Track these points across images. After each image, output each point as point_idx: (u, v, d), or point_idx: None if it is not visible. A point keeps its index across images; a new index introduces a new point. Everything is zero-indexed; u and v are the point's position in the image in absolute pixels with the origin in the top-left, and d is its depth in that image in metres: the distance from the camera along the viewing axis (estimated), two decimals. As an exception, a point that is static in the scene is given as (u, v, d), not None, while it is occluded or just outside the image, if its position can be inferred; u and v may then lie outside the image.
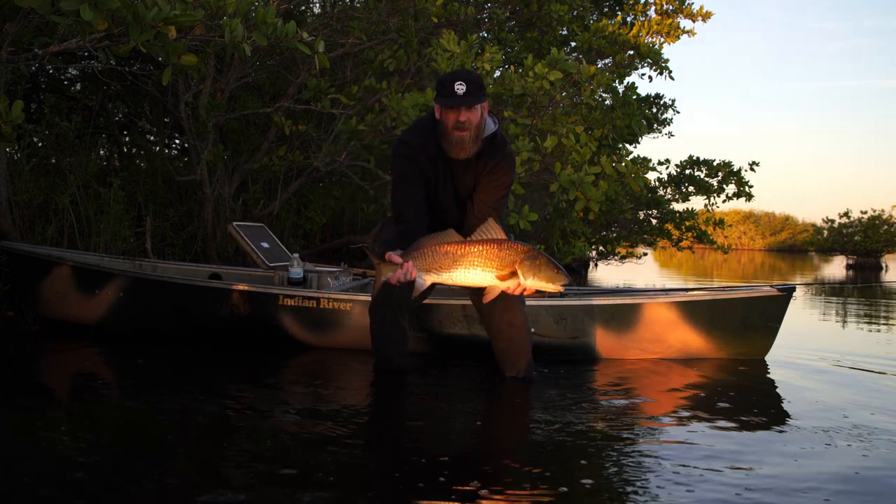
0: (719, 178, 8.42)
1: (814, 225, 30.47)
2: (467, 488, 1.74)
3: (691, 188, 8.70)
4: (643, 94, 9.48)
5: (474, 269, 2.55)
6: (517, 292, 2.57)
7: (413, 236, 2.66)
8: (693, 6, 6.94)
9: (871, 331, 5.16)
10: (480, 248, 2.54)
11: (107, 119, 6.29)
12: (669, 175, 8.80)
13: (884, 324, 5.66)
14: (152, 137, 6.50)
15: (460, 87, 2.68)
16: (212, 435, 2.12)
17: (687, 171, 8.66)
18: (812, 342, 4.45)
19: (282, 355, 3.36)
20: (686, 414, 2.51)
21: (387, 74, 5.31)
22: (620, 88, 7.18)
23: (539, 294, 2.75)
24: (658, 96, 9.88)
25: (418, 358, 3.29)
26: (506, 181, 2.87)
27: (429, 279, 2.56)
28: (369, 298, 3.40)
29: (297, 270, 3.87)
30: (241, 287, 3.49)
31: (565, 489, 1.77)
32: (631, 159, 5.67)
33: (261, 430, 2.16)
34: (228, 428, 2.19)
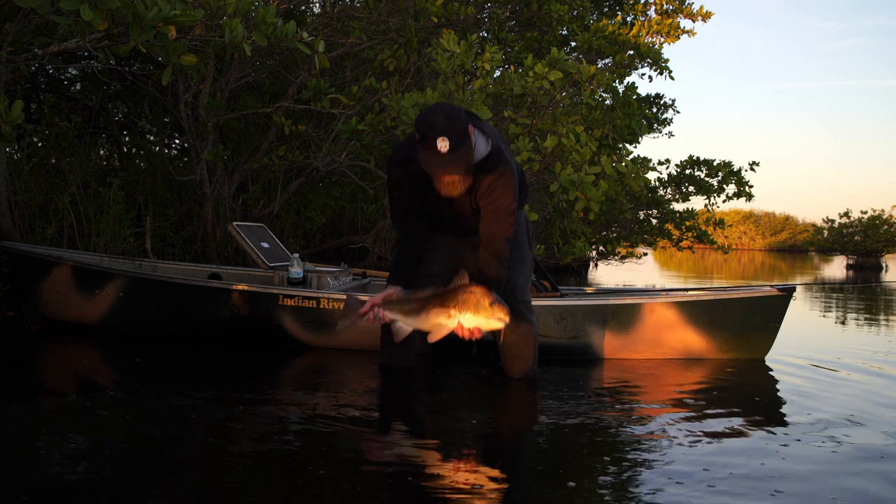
0: (719, 177, 8.42)
1: (814, 225, 30.49)
2: (468, 488, 1.74)
3: (691, 188, 8.70)
4: (643, 94, 9.51)
5: (426, 311, 2.55)
6: (465, 333, 2.44)
7: (405, 267, 2.71)
8: (693, 6, 6.94)
9: (871, 331, 5.16)
10: (439, 294, 2.57)
11: (107, 119, 6.29)
12: (669, 175, 8.80)
13: (884, 324, 5.66)
14: (152, 137, 6.50)
15: (443, 144, 2.39)
16: (211, 435, 2.12)
17: (687, 171, 8.66)
18: (812, 342, 4.45)
19: (282, 355, 3.36)
20: (686, 414, 2.51)
21: (387, 74, 5.31)
22: (620, 88, 7.18)
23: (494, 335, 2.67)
24: (658, 96, 9.90)
25: (418, 358, 3.29)
26: (503, 203, 2.60)
27: (405, 325, 2.62)
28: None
29: (297, 270, 3.87)
30: (241, 287, 3.49)
31: (573, 484, 1.77)
32: (631, 159, 5.67)
33: (260, 430, 2.16)
34: (228, 428, 2.19)
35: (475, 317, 2.46)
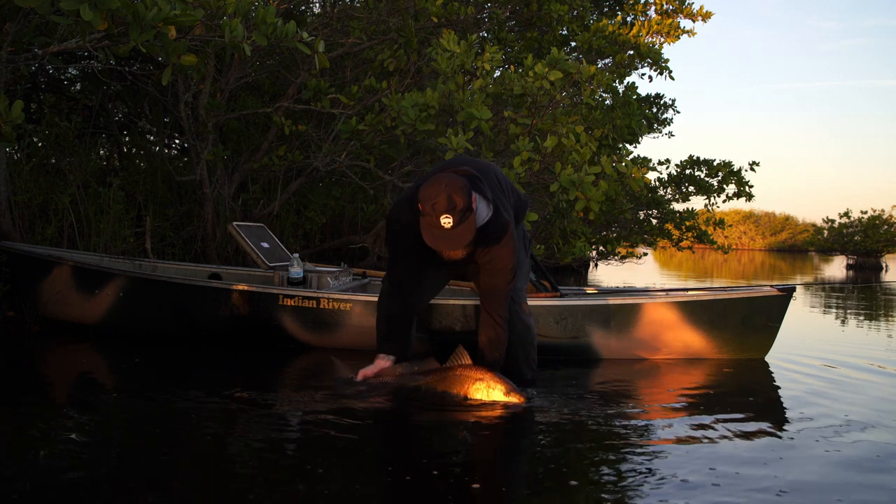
0: (719, 177, 8.43)
1: (814, 225, 30.48)
2: (469, 487, 1.74)
3: (691, 188, 8.70)
4: (643, 93, 9.49)
5: (433, 392, 2.64)
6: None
7: (398, 333, 2.81)
8: (693, 6, 6.93)
9: (870, 331, 5.16)
10: (439, 375, 2.66)
11: (107, 119, 6.29)
12: (669, 175, 8.80)
13: (883, 324, 5.66)
14: (152, 137, 6.50)
15: (447, 222, 2.43)
16: (211, 435, 2.12)
17: (687, 171, 8.66)
18: (812, 342, 4.45)
19: (282, 355, 3.36)
20: (686, 414, 2.51)
21: (387, 74, 5.31)
22: (620, 88, 7.18)
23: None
24: (658, 96, 9.89)
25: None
26: (502, 264, 2.68)
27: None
28: (369, 298, 3.41)
29: (297, 270, 3.87)
30: (241, 287, 3.49)
31: (574, 483, 1.77)
32: (631, 159, 5.67)
33: (260, 429, 2.16)
34: (228, 428, 2.18)
35: (491, 400, 2.53)
